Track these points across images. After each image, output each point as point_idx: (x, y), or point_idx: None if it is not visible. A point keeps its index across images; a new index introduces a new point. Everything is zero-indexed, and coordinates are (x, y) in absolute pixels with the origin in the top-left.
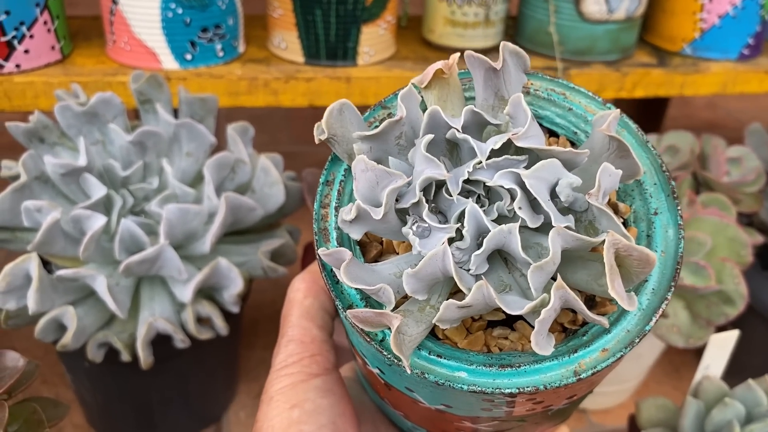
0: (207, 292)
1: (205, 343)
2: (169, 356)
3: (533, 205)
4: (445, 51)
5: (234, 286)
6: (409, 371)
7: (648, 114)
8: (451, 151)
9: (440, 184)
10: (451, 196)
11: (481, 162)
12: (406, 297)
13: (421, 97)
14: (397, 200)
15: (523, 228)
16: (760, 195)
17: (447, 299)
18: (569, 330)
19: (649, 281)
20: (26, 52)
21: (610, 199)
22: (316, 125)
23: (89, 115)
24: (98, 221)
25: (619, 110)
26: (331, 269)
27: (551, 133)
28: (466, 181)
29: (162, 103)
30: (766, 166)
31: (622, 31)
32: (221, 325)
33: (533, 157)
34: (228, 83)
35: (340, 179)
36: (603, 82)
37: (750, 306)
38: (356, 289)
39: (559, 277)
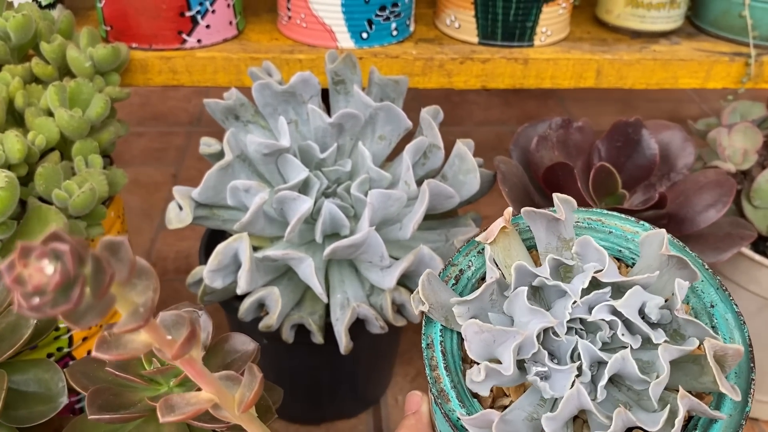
0: (400, 279)
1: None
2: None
3: (627, 327)
4: (623, 33)
5: None
6: None
7: None
8: (534, 294)
9: (545, 328)
10: (559, 337)
11: (575, 301)
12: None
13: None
14: None
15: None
16: None
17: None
18: None
19: None
20: (207, 27)
21: None
22: (413, 296)
23: (287, 94)
24: (305, 204)
25: (664, 230)
26: (462, 425)
27: None
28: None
29: (356, 84)
30: None
31: None
32: (416, 313)
33: (613, 286)
34: (403, 63)
35: (438, 340)
36: None
37: None
38: None
39: (681, 388)
